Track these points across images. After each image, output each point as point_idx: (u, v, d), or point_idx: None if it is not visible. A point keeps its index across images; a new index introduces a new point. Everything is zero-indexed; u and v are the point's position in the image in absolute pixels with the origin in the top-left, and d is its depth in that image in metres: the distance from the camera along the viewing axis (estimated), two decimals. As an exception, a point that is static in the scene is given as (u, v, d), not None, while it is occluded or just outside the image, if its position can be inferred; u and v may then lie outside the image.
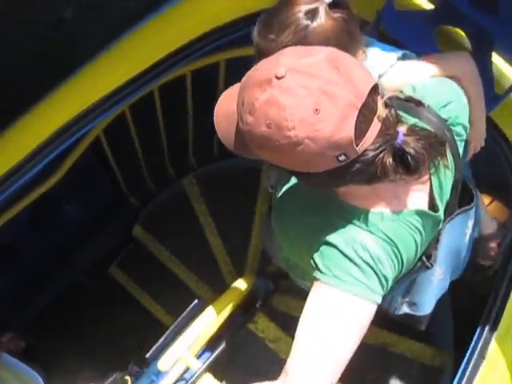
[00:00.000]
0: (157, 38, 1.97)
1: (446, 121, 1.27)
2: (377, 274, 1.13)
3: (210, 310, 2.13)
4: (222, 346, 1.75)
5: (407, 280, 1.37)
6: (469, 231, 1.51)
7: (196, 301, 2.63)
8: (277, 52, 1.11)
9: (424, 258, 1.30)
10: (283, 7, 1.27)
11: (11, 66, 2.50)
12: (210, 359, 1.81)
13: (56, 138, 1.84)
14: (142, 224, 3.17)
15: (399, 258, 1.16)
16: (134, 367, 2.45)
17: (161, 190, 3.19)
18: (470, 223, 1.51)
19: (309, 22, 1.23)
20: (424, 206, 1.21)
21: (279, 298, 2.59)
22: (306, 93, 0.92)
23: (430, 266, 1.32)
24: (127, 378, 1.77)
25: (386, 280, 1.14)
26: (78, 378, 2.66)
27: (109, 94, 1.88)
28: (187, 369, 1.98)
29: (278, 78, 0.94)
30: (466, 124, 1.33)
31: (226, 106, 1.10)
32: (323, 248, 1.16)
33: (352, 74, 0.95)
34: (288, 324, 2.20)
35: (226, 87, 1.14)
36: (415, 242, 1.19)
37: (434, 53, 1.57)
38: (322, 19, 1.23)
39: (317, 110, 0.91)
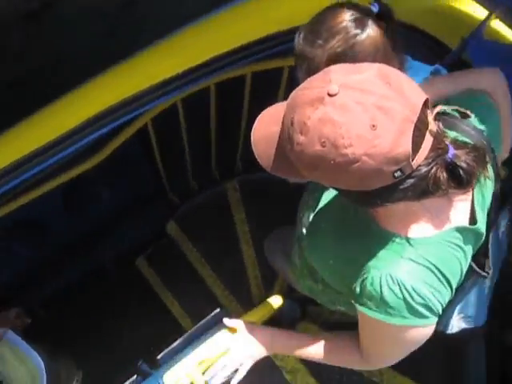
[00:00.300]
0: (219, 32, 1.87)
1: (483, 132, 1.25)
2: (416, 310, 1.13)
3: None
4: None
5: (462, 298, 1.37)
6: (501, 229, 1.48)
7: (218, 309, 2.55)
8: (322, 60, 1.24)
9: (477, 269, 1.29)
10: (331, 14, 1.27)
11: (75, 42, 2.48)
12: (221, 381, 1.68)
13: (99, 119, 1.75)
14: (177, 221, 3.10)
15: (445, 283, 1.15)
16: (144, 366, 2.37)
17: (202, 190, 3.11)
18: (503, 222, 1.48)
19: (358, 31, 1.24)
20: (465, 220, 1.19)
21: (304, 326, 2.46)
22: (362, 109, 0.91)
23: (486, 275, 1.31)
24: None
25: (431, 309, 1.14)
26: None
27: (161, 82, 1.79)
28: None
29: (330, 95, 0.92)
30: (500, 133, 1.33)
31: (264, 128, 1.10)
32: (363, 286, 1.17)
33: (404, 89, 0.94)
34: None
35: (288, 95, 1.07)
36: (459, 261, 1.17)
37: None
38: (371, 29, 1.24)
39: (374, 125, 0.90)
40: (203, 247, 2.99)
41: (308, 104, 0.95)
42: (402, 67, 1.33)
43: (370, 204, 1.08)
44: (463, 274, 1.20)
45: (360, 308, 1.21)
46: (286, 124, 1.00)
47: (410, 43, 1.80)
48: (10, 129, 1.78)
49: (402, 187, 0.98)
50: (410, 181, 0.97)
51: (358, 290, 1.19)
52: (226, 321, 1.64)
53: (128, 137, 2.26)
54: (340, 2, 1.31)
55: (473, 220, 1.19)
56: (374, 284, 1.14)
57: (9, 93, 3.10)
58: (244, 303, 2.79)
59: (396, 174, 0.94)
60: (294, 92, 1.02)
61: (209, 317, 2.47)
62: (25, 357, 2.02)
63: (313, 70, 1.24)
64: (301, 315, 2.42)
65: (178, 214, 3.11)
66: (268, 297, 2.58)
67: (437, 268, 1.12)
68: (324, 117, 0.92)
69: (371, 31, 1.24)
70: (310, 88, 0.98)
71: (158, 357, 2.37)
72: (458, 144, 1.03)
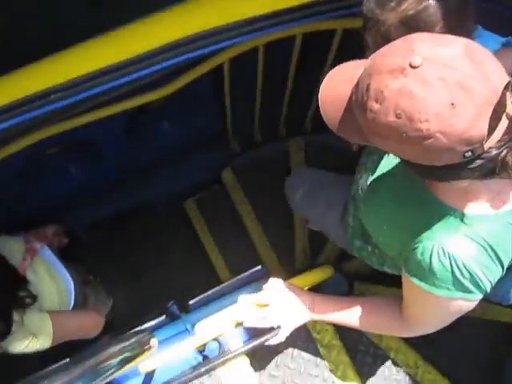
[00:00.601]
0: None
1: None
2: (463, 284, 1.16)
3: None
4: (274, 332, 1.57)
5: None
6: None
7: (259, 267, 2.50)
8: (393, 23, 1.23)
9: None
10: None
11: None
12: (254, 343, 1.63)
13: (178, 46, 1.66)
14: (234, 170, 3.03)
15: (497, 262, 1.16)
16: (174, 307, 2.35)
17: (265, 144, 3.02)
18: None
19: None
20: None
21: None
22: (443, 85, 0.89)
23: None
24: (154, 339, 1.62)
25: (478, 286, 1.16)
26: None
27: (247, 18, 1.68)
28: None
29: (412, 66, 0.91)
30: None
31: (334, 87, 1.09)
32: (413, 255, 1.20)
33: (488, 69, 0.92)
34: (348, 333, 1.99)
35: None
36: None
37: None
38: None
39: (453, 104, 0.89)
40: (255, 202, 2.92)
41: (387, 72, 0.93)
42: (470, 34, 1.30)
43: (434, 178, 1.09)
44: None
45: (407, 275, 1.25)
46: (360, 88, 0.99)
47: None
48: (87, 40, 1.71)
49: (469, 167, 0.98)
50: (479, 162, 0.97)
51: (408, 257, 1.23)
52: (271, 279, 1.62)
53: (202, 73, 2.17)
54: None
55: None
56: (424, 254, 1.17)
57: (91, 10, 3.06)
58: (286, 266, 2.73)
59: (466, 154, 0.94)
60: (373, 56, 0.99)
61: (248, 272, 2.43)
62: (56, 274, 2.00)
63: (383, 34, 1.28)
64: (347, 290, 2.34)
65: (236, 163, 3.03)
66: (313, 264, 2.51)
67: (491, 247, 1.14)
68: (403, 88, 0.91)
69: None
70: (391, 56, 0.95)
71: (190, 302, 2.34)
72: None
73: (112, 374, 1.38)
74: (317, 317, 1.56)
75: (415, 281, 1.22)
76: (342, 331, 2.01)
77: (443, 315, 1.30)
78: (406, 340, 2.18)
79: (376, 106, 0.95)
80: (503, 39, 1.45)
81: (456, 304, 1.22)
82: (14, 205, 2.48)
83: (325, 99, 1.10)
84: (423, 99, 0.90)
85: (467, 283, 1.15)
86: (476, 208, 1.14)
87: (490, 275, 1.16)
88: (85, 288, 2.26)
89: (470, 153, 0.94)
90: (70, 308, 1.99)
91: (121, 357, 1.41)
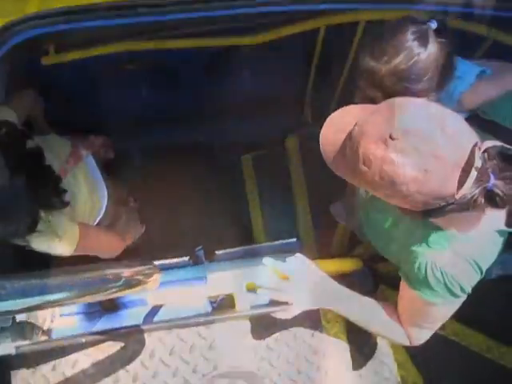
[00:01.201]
0: None
1: None
2: (452, 291, 1.34)
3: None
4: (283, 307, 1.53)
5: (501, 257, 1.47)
6: None
7: (294, 239, 2.47)
8: (386, 74, 1.41)
9: None
10: (395, 31, 1.40)
11: None
12: (260, 311, 1.60)
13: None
14: (300, 138, 2.99)
15: (478, 272, 1.34)
16: (201, 253, 2.35)
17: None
18: None
19: (421, 50, 1.38)
20: (501, 223, 1.26)
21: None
22: (419, 155, 1.07)
23: None
24: (158, 275, 1.60)
25: (464, 290, 1.35)
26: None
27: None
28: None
29: (392, 138, 1.08)
30: None
31: (334, 134, 1.24)
32: (411, 268, 1.38)
33: (456, 135, 1.09)
34: (358, 333, 1.94)
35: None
36: (494, 255, 1.35)
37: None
38: (432, 46, 1.38)
39: (426, 170, 1.07)
40: (311, 176, 2.89)
41: (372, 141, 1.11)
42: (454, 71, 1.47)
43: (414, 215, 1.22)
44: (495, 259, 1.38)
45: (405, 282, 1.44)
46: (351, 148, 1.17)
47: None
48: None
49: (444, 209, 1.14)
50: (452, 206, 1.12)
51: (406, 269, 1.41)
52: (297, 254, 1.62)
53: (296, 32, 2.12)
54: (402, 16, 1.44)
55: (509, 222, 1.28)
56: (420, 269, 1.35)
57: None
58: (321, 248, 2.70)
59: (441, 204, 1.12)
60: (362, 121, 1.16)
61: (282, 241, 2.41)
62: (93, 185, 1.96)
63: (376, 81, 1.44)
64: (371, 289, 2.30)
65: (303, 132, 2.97)
66: (347, 254, 2.45)
67: (475, 262, 1.32)
68: (385, 157, 1.09)
69: (432, 48, 1.38)
70: (377, 124, 1.12)
71: (217, 252, 2.34)
72: (500, 169, 1.11)
73: (113, 292, 1.39)
74: (328, 305, 1.56)
75: (416, 291, 1.40)
76: (352, 329, 1.96)
77: (437, 317, 1.48)
78: (413, 358, 2.13)
79: (364, 168, 1.14)
80: (478, 70, 1.61)
81: (446, 305, 1.41)
82: (79, 109, 2.50)
83: (325, 141, 1.26)
84: (402, 166, 1.08)
85: (455, 290, 1.34)
86: (460, 229, 1.31)
87: (472, 282, 1.36)
88: (119, 208, 2.24)
89: (443, 203, 1.12)
90: (97, 221, 1.98)
91: (124, 279, 1.41)
